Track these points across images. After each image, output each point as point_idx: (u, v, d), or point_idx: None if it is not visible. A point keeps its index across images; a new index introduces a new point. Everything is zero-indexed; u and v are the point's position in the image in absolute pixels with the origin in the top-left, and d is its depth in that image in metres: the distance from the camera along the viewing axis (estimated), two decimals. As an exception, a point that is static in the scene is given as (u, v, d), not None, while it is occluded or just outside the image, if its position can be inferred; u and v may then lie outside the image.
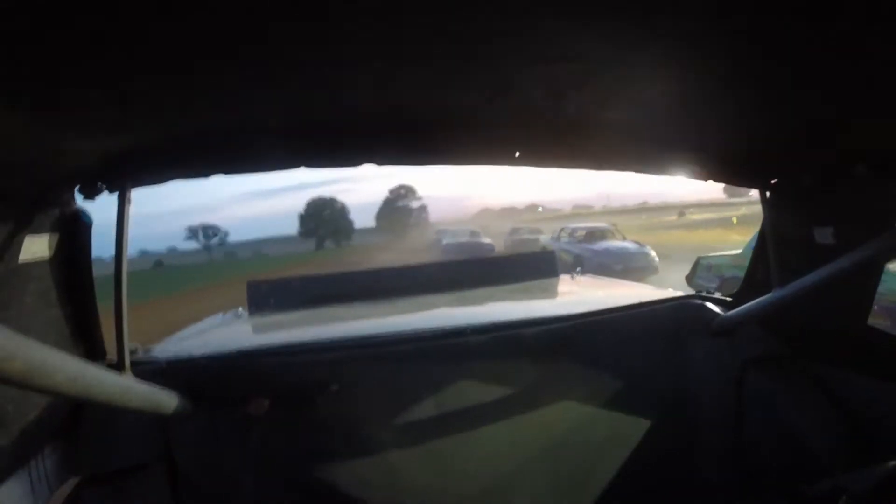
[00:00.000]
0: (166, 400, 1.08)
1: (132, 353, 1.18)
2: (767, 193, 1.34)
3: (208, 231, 40.70)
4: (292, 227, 42.68)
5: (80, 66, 0.57)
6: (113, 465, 1.10)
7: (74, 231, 1.04)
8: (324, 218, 40.69)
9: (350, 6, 0.51)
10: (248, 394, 1.21)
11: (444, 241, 17.10)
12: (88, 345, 1.12)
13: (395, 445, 1.30)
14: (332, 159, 1.10)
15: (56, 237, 0.99)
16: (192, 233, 40.56)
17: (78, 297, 1.08)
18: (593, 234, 11.51)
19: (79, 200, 1.04)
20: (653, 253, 9.82)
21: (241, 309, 2.10)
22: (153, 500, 1.08)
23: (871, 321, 1.17)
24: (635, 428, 1.41)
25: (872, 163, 1.06)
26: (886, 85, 0.70)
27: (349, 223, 41.93)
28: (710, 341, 1.49)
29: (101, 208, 1.05)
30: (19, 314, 0.92)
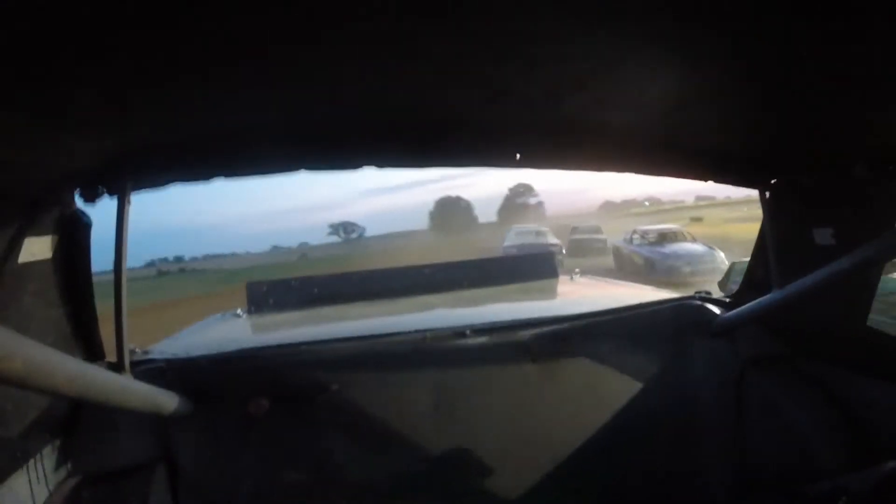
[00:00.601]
0: (166, 400, 1.08)
1: (131, 353, 1.18)
2: (767, 193, 1.34)
3: (348, 227, 47.26)
4: (422, 223, 47.94)
5: (81, 67, 0.57)
6: (112, 464, 1.10)
7: (74, 232, 1.04)
8: (451, 214, 45.75)
9: (349, 9, 0.51)
10: (248, 394, 1.21)
11: (504, 244, 14.51)
12: (88, 345, 1.12)
13: (395, 445, 1.30)
14: (331, 162, 1.10)
15: (56, 238, 0.99)
16: (334, 229, 46.88)
17: (77, 297, 1.08)
18: (664, 237, 11.45)
19: (79, 203, 1.04)
20: (721, 255, 9.86)
21: (239, 309, 2.10)
22: (153, 500, 1.08)
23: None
24: (635, 428, 1.41)
25: (872, 163, 1.06)
26: (886, 85, 0.70)
27: (473, 219, 46.80)
28: (710, 341, 1.49)
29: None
30: (19, 314, 0.92)
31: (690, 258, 9.94)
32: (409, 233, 43.36)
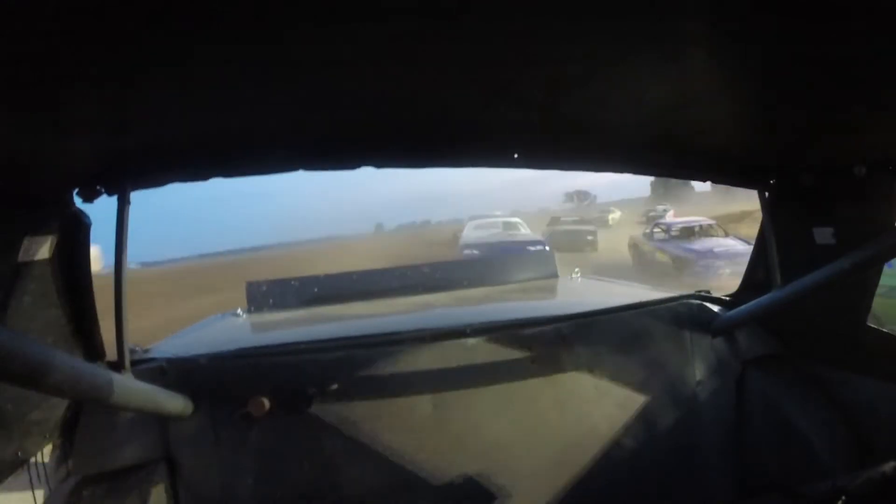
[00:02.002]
0: (166, 399, 1.09)
1: (131, 352, 1.18)
2: (767, 193, 1.34)
3: (581, 195, 52.66)
4: (645, 191, 51.79)
5: (80, 68, 0.57)
6: (112, 464, 1.10)
7: (74, 232, 1.04)
8: (672, 185, 49.94)
9: (349, 9, 0.51)
10: (248, 394, 1.22)
11: (462, 244, 10.53)
12: (88, 345, 1.13)
13: (395, 444, 1.30)
14: (330, 161, 1.10)
15: (56, 238, 0.99)
16: (569, 196, 52.86)
17: (77, 297, 1.08)
18: (692, 232, 9.86)
19: (78, 203, 1.04)
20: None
21: (239, 309, 2.11)
22: (153, 500, 1.08)
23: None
24: (635, 427, 1.41)
25: (872, 163, 1.06)
26: (886, 85, 0.70)
27: (690, 189, 51.04)
28: (710, 341, 1.49)
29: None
30: (19, 314, 0.92)
31: (730, 257, 8.13)
32: (633, 199, 46.94)
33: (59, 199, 1.01)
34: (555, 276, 2.46)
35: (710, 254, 8.55)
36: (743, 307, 1.41)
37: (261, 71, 0.66)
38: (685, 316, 1.54)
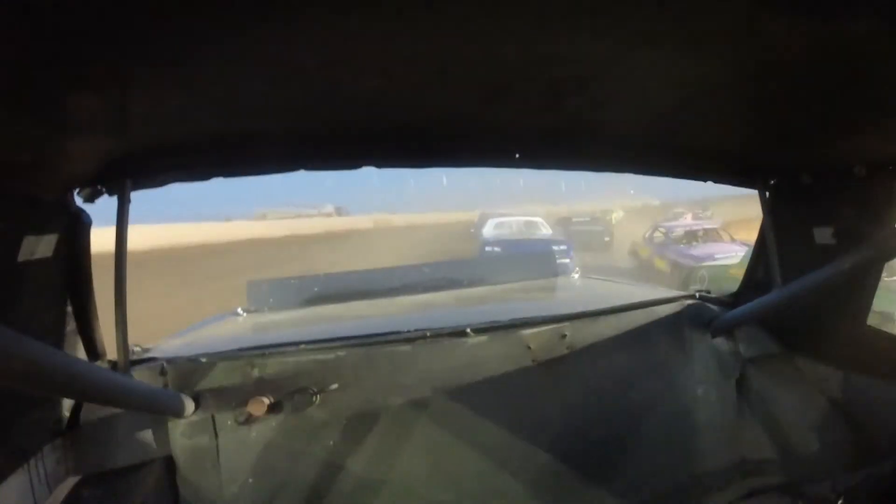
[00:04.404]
0: (166, 399, 1.09)
1: (131, 352, 1.18)
2: (767, 193, 1.34)
3: None
4: None
5: (80, 68, 0.57)
6: (113, 464, 1.10)
7: (74, 231, 1.04)
8: None
9: (349, 9, 0.51)
10: (248, 393, 1.22)
11: (484, 239, 10.41)
12: (88, 344, 1.13)
13: (395, 444, 1.30)
14: (331, 161, 1.11)
15: (56, 237, 0.99)
16: None
17: (78, 296, 1.08)
18: (695, 235, 9.06)
19: (79, 202, 1.04)
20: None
21: (240, 309, 2.11)
22: (152, 500, 1.08)
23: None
24: (635, 427, 1.41)
25: (872, 163, 1.06)
26: (885, 85, 0.70)
27: None
28: (710, 341, 1.49)
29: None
30: (19, 314, 0.92)
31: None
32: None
33: (60, 199, 1.01)
34: (555, 275, 2.47)
35: (710, 260, 7.60)
36: (743, 307, 1.41)
37: (261, 71, 0.66)
38: (685, 316, 1.54)
